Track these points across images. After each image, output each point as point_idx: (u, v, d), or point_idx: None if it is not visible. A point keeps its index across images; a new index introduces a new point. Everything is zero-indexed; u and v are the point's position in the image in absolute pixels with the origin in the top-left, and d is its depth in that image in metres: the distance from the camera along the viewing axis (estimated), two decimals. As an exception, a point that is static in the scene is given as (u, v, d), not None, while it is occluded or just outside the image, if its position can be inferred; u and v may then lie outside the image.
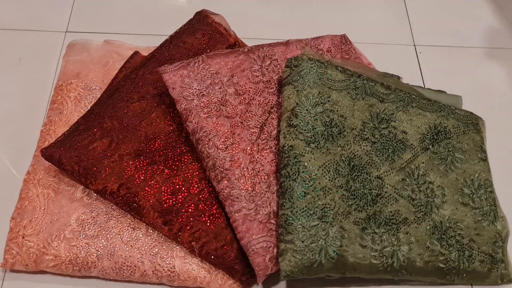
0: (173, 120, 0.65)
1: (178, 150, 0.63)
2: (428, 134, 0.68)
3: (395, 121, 0.66)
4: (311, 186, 0.58)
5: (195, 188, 0.60)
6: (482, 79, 0.84)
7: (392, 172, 0.63)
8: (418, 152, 0.66)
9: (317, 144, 0.60)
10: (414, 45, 0.88)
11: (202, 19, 0.76)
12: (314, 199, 0.57)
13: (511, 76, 0.84)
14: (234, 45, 0.75)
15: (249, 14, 0.88)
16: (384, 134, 0.65)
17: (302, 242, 0.55)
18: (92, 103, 0.69)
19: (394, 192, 0.62)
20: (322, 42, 0.75)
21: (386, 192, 0.62)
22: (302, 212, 0.57)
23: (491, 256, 0.64)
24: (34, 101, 0.74)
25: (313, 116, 0.61)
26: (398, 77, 0.75)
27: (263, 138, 0.62)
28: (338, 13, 0.91)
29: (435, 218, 0.63)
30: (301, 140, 0.60)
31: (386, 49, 0.87)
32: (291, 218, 0.56)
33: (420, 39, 0.88)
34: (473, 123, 0.72)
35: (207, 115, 0.61)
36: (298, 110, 0.61)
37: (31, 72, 0.78)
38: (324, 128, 0.61)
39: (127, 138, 0.63)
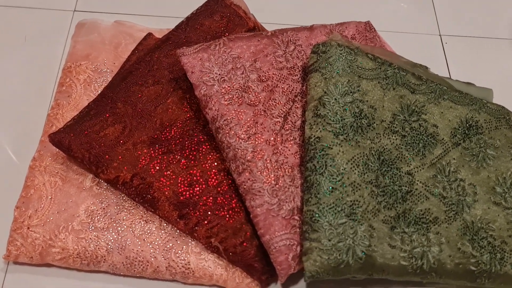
0: (190, 107, 0.61)
1: (196, 139, 0.59)
2: (460, 129, 0.64)
3: (425, 114, 0.62)
4: (339, 181, 0.54)
5: (213, 180, 0.57)
6: (510, 70, 0.80)
7: (423, 168, 0.59)
8: (449, 147, 0.62)
9: (346, 136, 0.56)
10: (440, 35, 0.85)
11: (220, 0, 0.72)
12: (342, 195, 0.54)
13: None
14: (254, 29, 0.71)
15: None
16: (414, 127, 0.61)
17: (329, 241, 0.52)
18: (103, 86, 0.65)
19: (425, 189, 0.58)
20: (347, 29, 0.71)
21: (416, 189, 0.58)
22: (329, 208, 0.53)
23: (523, 259, 0.60)
24: (40, 83, 0.71)
25: (342, 106, 0.57)
26: (426, 68, 0.71)
27: (287, 128, 0.58)
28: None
29: (467, 218, 0.59)
30: (329, 131, 0.56)
31: (410, 38, 0.84)
32: (317, 215, 0.53)
33: (446, 29, 0.85)
34: (505, 118, 0.68)
35: (229, 102, 0.57)
36: (326, 99, 0.57)
37: (37, 53, 0.74)
38: (354, 119, 0.57)
39: (141, 125, 0.59)
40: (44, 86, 0.70)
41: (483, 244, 0.59)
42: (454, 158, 0.62)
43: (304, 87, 0.61)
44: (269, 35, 0.62)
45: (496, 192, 0.62)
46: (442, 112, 0.64)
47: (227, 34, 0.68)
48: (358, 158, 0.56)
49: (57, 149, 0.59)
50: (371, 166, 0.56)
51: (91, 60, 0.68)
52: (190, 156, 0.58)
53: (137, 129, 0.58)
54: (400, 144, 0.59)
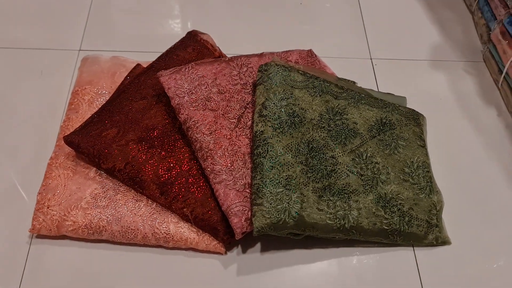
0: (168, 115, 0.81)
1: (173, 137, 0.78)
2: (376, 125, 0.83)
3: (347, 114, 0.82)
4: (277, 161, 0.73)
5: (185, 166, 0.76)
6: (427, 86, 0.99)
7: (344, 154, 0.79)
8: (366, 139, 0.82)
9: (282, 130, 0.76)
10: (371, 59, 1.04)
11: (192, 37, 0.92)
12: (279, 171, 0.73)
13: (450, 83, 1.00)
14: (219, 57, 0.92)
15: (233, 34, 1.05)
16: (338, 124, 0.81)
17: (270, 204, 0.70)
18: (102, 104, 0.85)
19: (346, 169, 0.77)
20: (291, 55, 0.92)
21: (339, 169, 0.77)
22: (270, 181, 0.72)
23: (427, 222, 0.78)
24: (54, 104, 0.90)
25: (279, 108, 0.77)
26: (354, 82, 0.91)
27: (240, 127, 0.78)
28: (306, 32, 1.07)
29: (380, 191, 0.78)
30: (270, 126, 0.75)
31: (347, 62, 1.02)
32: (261, 186, 0.71)
33: (376, 54, 1.04)
34: (414, 118, 0.88)
35: (195, 108, 0.77)
36: (267, 104, 0.77)
37: (51, 82, 0.93)
38: (288, 118, 0.77)
39: (131, 128, 0.78)
40: (57, 106, 0.89)
41: (393, 210, 0.77)
42: (370, 147, 0.81)
43: (254, 98, 0.81)
44: (227, 60, 0.83)
45: (405, 172, 0.81)
46: (360, 113, 0.83)
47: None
48: (291, 145, 0.75)
49: (69, 150, 0.78)
50: (302, 151, 0.76)
51: (93, 85, 0.88)
52: (168, 149, 0.77)
53: (129, 131, 0.78)
54: (326, 136, 0.79)
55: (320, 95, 0.81)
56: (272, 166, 0.72)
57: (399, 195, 0.78)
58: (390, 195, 0.78)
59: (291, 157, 0.74)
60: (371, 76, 1.01)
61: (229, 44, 1.00)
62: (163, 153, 0.76)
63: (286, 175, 0.73)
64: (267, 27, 1.08)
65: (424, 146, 0.85)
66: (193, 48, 0.90)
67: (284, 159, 0.74)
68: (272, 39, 1.05)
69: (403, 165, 0.81)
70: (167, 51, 0.90)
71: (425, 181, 0.81)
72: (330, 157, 0.77)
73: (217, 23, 1.08)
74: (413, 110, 0.89)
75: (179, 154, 0.77)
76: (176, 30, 1.06)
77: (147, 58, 0.94)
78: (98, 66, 0.91)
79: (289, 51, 0.92)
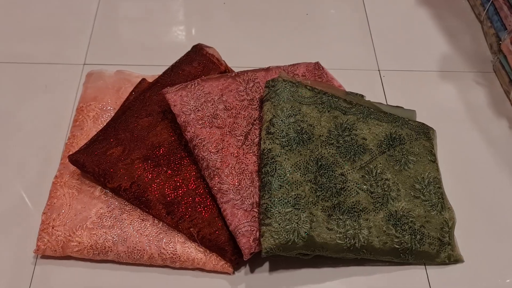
0: (174, 132, 0.79)
1: (179, 155, 0.77)
2: (385, 141, 0.82)
3: (356, 130, 0.81)
4: (285, 180, 0.72)
5: (192, 185, 0.74)
6: (436, 97, 0.98)
7: (354, 171, 0.77)
8: (376, 155, 0.80)
9: (290, 147, 0.74)
10: (379, 70, 1.02)
11: (198, 51, 0.91)
12: (288, 190, 0.71)
13: (459, 94, 0.99)
14: (225, 71, 0.91)
15: (238, 47, 1.03)
16: (347, 140, 0.79)
17: (279, 224, 0.69)
18: (107, 121, 0.84)
19: (355, 186, 0.76)
20: (298, 68, 0.90)
21: (348, 186, 0.76)
22: (279, 200, 0.70)
23: (439, 240, 0.77)
24: (58, 120, 0.89)
25: (287, 125, 0.76)
26: (362, 96, 0.90)
27: (247, 144, 0.76)
28: (314, 44, 1.06)
29: (391, 208, 0.76)
30: (277, 144, 0.74)
31: (355, 74, 1.00)
32: (269, 206, 0.70)
33: (384, 65, 1.02)
34: (424, 132, 0.86)
35: (202, 126, 0.76)
36: (275, 121, 0.76)
37: (55, 98, 0.92)
38: (296, 135, 0.76)
39: (137, 146, 0.77)
40: (62, 122, 0.88)
41: (404, 228, 0.75)
42: (380, 163, 0.80)
43: (261, 114, 0.80)
44: (233, 75, 0.82)
45: (416, 189, 0.80)
46: (370, 128, 0.82)
47: (203, 76, 0.87)
48: (300, 163, 0.74)
49: (74, 168, 0.77)
50: (311, 168, 0.74)
51: (98, 101, 0.87)
52: (174, 168, 0.76)
53: (134, 149, 0.76)
54: (335, 153, 0.77)
55: (328, 111, 0.80)
56: (280, 185, 0.71)
57: (410, 213, 0.77)
58: (401, 213, 0.76)
59: (300, 175, 0.73)
60: (379, 88, 0.99)
61: (235, 56, 0.98)
62: (169, 171, 0.75)
63: (295, 194, 0.71)
64: (273, 38, 1.07)
65: (435, 161, 0.84)
66: (199, 62, 0.89)
67: (292, 178, 0.72)
68: (279, 51, 1.04)
69: (413, 181, 0.80)
70: (172, 65, 0.89)
71: (437, 198, 0.80)
72: (339, 174, 0.76)
73: (223, 36, 1.07)
74: (423, 124, 0.87)
75: (185, 173, 0.75)
76: (182, 43, 1.05)
77: (152, 72, 0.93)
78: (103, 82, 0.90)
79: (296, 64, 0.91)
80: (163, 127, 0.80)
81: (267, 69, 0.86)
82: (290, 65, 0.90)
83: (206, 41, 0.94)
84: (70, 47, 1.02)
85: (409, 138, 0.84)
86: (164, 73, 0.88)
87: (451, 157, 0.89)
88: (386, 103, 0.95)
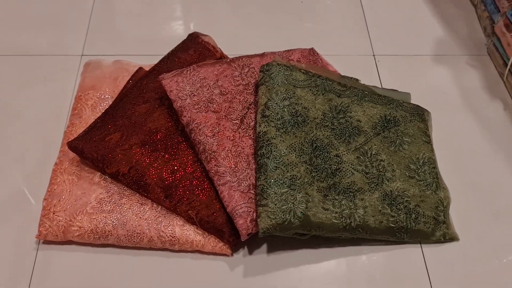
0: (171, 118, 0.80)
1: (176, 140, 0.78)
2: (380, 122, 0.83)
3: (351, 112, 0.82)
4: (281, 161, 0.73)
5: (189, 168, 0.76)
6: (431, 81, 0.98)
7: (349, 152, 0.78)
8: (371, 136, 0.81)
9: (285, 130, 0.75)
10: (374, 55, 1.03)
11: (193, 39, 0.92)
12: (284, 171, 0.72)
13: (454, 77, 0.99)
14: (220, 59, 0.92)
15: (234, 35, 1.04)
16: (341, 122, 0.80)
17: (275, 205, 0.70)
18: (105, 109, 0.85)
19: (351, 167, 0.77)
20: (293, 54, 0.91)
21: (343, 167, 0.77)
22: (274, 181, 0.71)
23: (434, 219, 0.78)
24: (57, 109, 0.90)
25: (282, 108, 0.77)
26: (356, 79, 0.91)
27: (243, 128, 0.77)
28: (308, 30, 1.07)
29: (386, 188, 0.77)
30: (273, 127, 0.75)
31: (350, 59, 1.01)
32: (265, 187, 0.71)
33: (378, 50, 1.03)
34: (419, 114, 0.87)
35: (198, 110, 0.77)
36: (270, 104, 0.77)
37: (54, 88, 0.93)
38: (291, 117, 0.77)
39: (135, 132, 0.78)
40: (61, 112, 0.89)
41: (400, 207, 0.76)
42: (375, 144, 0.81)
43: (256, 98, 0.81)
44: (228, 61, 0.83)
45: (411, 169, 0.81)
46: (364, 111, 0.83)
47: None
48: (295, 144, 0.75)
49: (73, 155, 0.79)
50: (306, 150, 0.75)
51: (96, 90, 0.88)
52: (172, 152, 0.77)
53: (132, 135, 0.78)
54: (330, 135, 0.78)
55: (323, 94, 0.81)
56: (276, 167, 0.72)
57: (405, 192, 0.78)
58: (396, 193, 0.77)
59: (295, 156, 0.74)
60: (374, 73, 1.00)
61: (231, 44, 0.99)
62: (166, 156, 0.76)
63: (291, 175, 0.72)
64: (268, 27, 1.07)
65: (429, 142, 0.84)
66: (195, 50, 0.90)
67: (288, 159, 0.73)
68: (274, 39, 1.05)
69: (408, 161, 0.81)
70: (168, 54, 0.90)
71: (431, 178, 0.81)
72: (334, 155, 0.77)
73: (219, 24, 1.08)
74: (418, 105, 0.88)
75: (182, 157, 0.77)
76: (178, 32, 1.06)
77: (149, 61, 0.94)
78: (101, 71, 0.91)
79: (290, 50, 0.92)
80: (160, 113, 0.81)
81: (262, 55, 0.87)
82: (285, 50, 0.91)
83: (203, 30, 0.95)
84: (68, 38, 1.03)
85: (403, 119, 0.85)
86: (161, 61, 0.89)
87: (446, 141, 0.89)
88: (381, 87, 0.96)
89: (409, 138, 0.83)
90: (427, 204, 0.78)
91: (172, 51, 0.90)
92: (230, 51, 0.96)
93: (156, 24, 1.07)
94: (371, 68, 1.01)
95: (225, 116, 0.77)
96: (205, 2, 1.12)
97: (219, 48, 0.94)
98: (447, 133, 0.90)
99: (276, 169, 0.72)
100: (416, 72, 1.00)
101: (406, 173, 0.80)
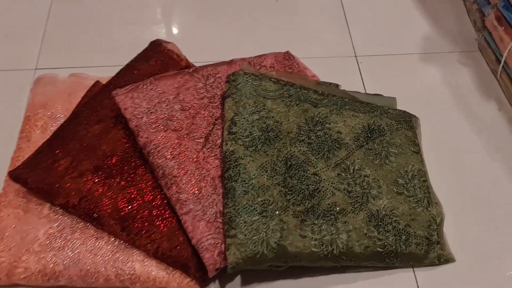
0: (128, 138, 0.72)
1: (133, 164, 0.69)
2: (363, 133, 0.74)
3: (329, 123, 0.73)
4: (250, 185, 0.64)
5: (148, 196, 0.67)
6: (419, 82, 0.91)
7: (328, 169, 0.70)
8: (353, 149, 0.73)
9: (255, 148, 0.67)
10: (356, 56, 0.95)
11: (156, 47, 0.84)
12: (254, 196, 0.64)
13: (444, 76, 0.92)
14: (184, 70, 0.83)
15: (203, 40, 0.95)
16: (319, 135, 0.72)
17: (245, 236, 0.61)
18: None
19: (331, 186, 0.68)
20: (265, 59, 0.83)
21: (323, 186, 0.68)
22: (244, 209, 0.63)
23: (426, 239, 0.69)
24: (6, 132, 0.81)
25: (250, 123, 0.68)
26: (337, 85, 0.82)
27: (208, 147, 0.69)
28: (285, 33, 0.98)
29: (372, 207, 0.69)
30: (241, 145, 0.66)
31: (330, 62, 0.93)
32: (234, 215, 0.62)
33: (361, 50, 0.95)
34: (406, 121, 0.79)
35: (156, 129, 0.68)
36: (237, 119, 0.68)
37: (3, 108, 0.85)
38: (261, 133, 0.68)
39: (87, 157, 0.69)
40: (10, 135, 0.80)
41: (388, 229, 0.68)
42: (358, 158, 0.72)
43: (223, 112, 0.72)
44: (190, 71, 0.74)
45: (399, 184, 0.72)
46: (345, 121, 0.74)
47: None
48: (266, 164, 0.66)
49: (19, 186, 0.70)
50: (279, 170, 0.67)
51: (47, 109, 0.79)
52: (128, 178, 0.68)
53: (83, 160, 0.69)
54: (306, 150, 0.70)
55: (297, 104, 0.72)
56: (245, 191, 0.64)
57: (393, 211, 0.70)
58: (384, 212, 0.69)
59: (267, 178, 0.65)
60: (356, 76, 0.92)
61: (200, 51, 0.91)
62: (122, 183, 0.67)
63: (262, 200, 0.64)
64: (241, 29, 0.99)
65: (418, 152, 0.76)
66: (156, 60, 0.81)
67: (258, 182, 0.65)
68: (248, 42, 0.96)
69: (396, 175, 0.73)
70: (127, 65, 0.81)
71: (422, 192, 0.72)
72: (312, 174, 0.68)
73: (186, 29, 0.99)
74: (405, 111, 0.80)
75: (141, 183, 0.68)
76: (141, 39, 0.96)
77: (111, 73, 0.84)
78: (53, 87, 0.82)
79: (263, 55, 0.84)
80: (116, 133, 0.72)
81: (230, 62, 0.79)
82: (257, 56, 0.83)
83: (167, 37, 0.86)
84: (20, 50, 0.93)
85: (389, 128, 0.76)
86: (118, 74, 0.80)
87: (437, 146, 0.82)
88: (364, 92, 0.88)
89: (396, 149, 0.75)
90: (418, 223, 0.70)
91: (131, 62, 0.82)
92: (198, 59, 0.87)
93: (116, 31, 0.98)
94: (354, 70, 0.93)
95: (187, 134, 0.69)
96: (171, 5, 1.03)
97: (184, 57, 0.85)
98: (438, 138, 0.83)
99: (245, 194, 0.63)
100: (402, 73, 0.93)
101: (394, 189, 0.71)
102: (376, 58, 0.95)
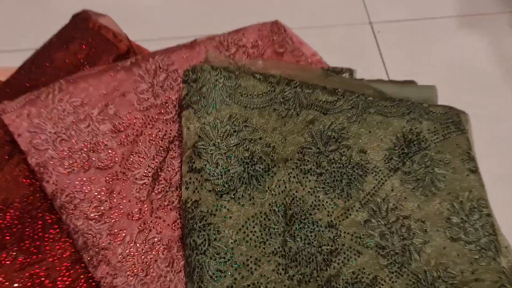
0: (33, 176, 0.45)
1: (41, 222, 0.43)
2: (396, 149, 0.50)
3: (348, 139, 0.48)
4: (228, 260, 0.39)
5: (65, 279, 0.41)
6: (457, 55, 0.71)
7: (350, 214, 0.45)
8: (384, 176, 0.48)
9: (234, 194, 0.41)
10: (370, 23, 0.72)
11: (81, 23, 0.56)
12: (236, 279, 0.39)
13: (491, 47, 0.69)
14: (127, 53, 0.56)
15: (155, 8, 0.69)
16: (334, 159, 0.46)
17: None
18: None
19: (355, 242, 0.44)
20: (245, 36, 0.57)
21: (343, 245, 0.44)
22: (219, 302, 0.38)
23: (496, 306, 0.46)
24: None
25: (225, 153, 0.42)
26: (350, 71, 0.57)
27: (159, 190, 0.43)
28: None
29: (417, 268, 0.46)
30: (209, 191, 0.41)
31: (336, 32, 0.73)
32: (203, 314, 0.38)
33: (377, 15, 0.73)
34: (454, 122, 0.54)
35: (70, 169, 0.42)
36: (202, 147, 0.42)
37: None
38: (243, 168, 0.42)
39: (-39, 215, 0.43)
40: None
41: (442, 300, 0.45)
42: (392, 190, 0.48)
43: (180, 129, 0.46)
44: (127, 65, 0.47)
45: (452, 224, 0.49)
46: (369, 132, 0.49)
47: (88, 67, 0.53)
48: (253, 222, 0.41)
49: None
50: (274, 228, 0.41)
51: None
52: (31, 249, 0.42)
53: (-44, 222, 0.43)
54: (315, 186, 0.45)
55: (298, 114, 0.46)
56: (220, 271, 0.39)
57: (448, 270, 0.47)
58: (435, 274, 0.46)
59: (255, 245, 0.40)
60: (372, 50, 0.71)
61: (149, 25, 0.66)
62: (20, 258, 0.42)
63: (249, 285, 0.39)
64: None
65: (476, 170, 0.52)
66: (81, 43, 0.55)
67: (241, 254, 0.39)
68: (221, 10, 0.71)
69: (447, 212, 0.49)
70: (36, 51, 0.55)
71: (486, 234, 0.49)
72: (326, 226, 0.43)
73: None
74: (450, 107, 0.56)
75: (51, 256, 0.42)
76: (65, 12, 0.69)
77: (17, 61, 0.58)
78: None
79: (241, 29, 0.59)
80: (12, 170, 0.45)
81: (192, 45, 0.52)
82: (233, 31, 0.57)
83: (99, 6, 0.58)
84: None
85: (432, 136, 0.52)
86: (21, 67, 0.53)
87: (487, 148, 0.58)
88: (387, 78, 0.62)
89: (445, 169, 0.51)
90: (483, 284, 0.47)
91: (41, 47, 0.54)
92: (146, 36, 0.61)
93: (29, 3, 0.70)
94: (368, 42, 0.72)
95: (123, 173, 0.43)
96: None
97: (125, 35, 0.58)
98: (484, 131, 0.61)
99: (220, 277, 0.38)
100: (432, 44, 0.71)
101: (446, 232, 0.48)
102: (397, 25, 0.73)
